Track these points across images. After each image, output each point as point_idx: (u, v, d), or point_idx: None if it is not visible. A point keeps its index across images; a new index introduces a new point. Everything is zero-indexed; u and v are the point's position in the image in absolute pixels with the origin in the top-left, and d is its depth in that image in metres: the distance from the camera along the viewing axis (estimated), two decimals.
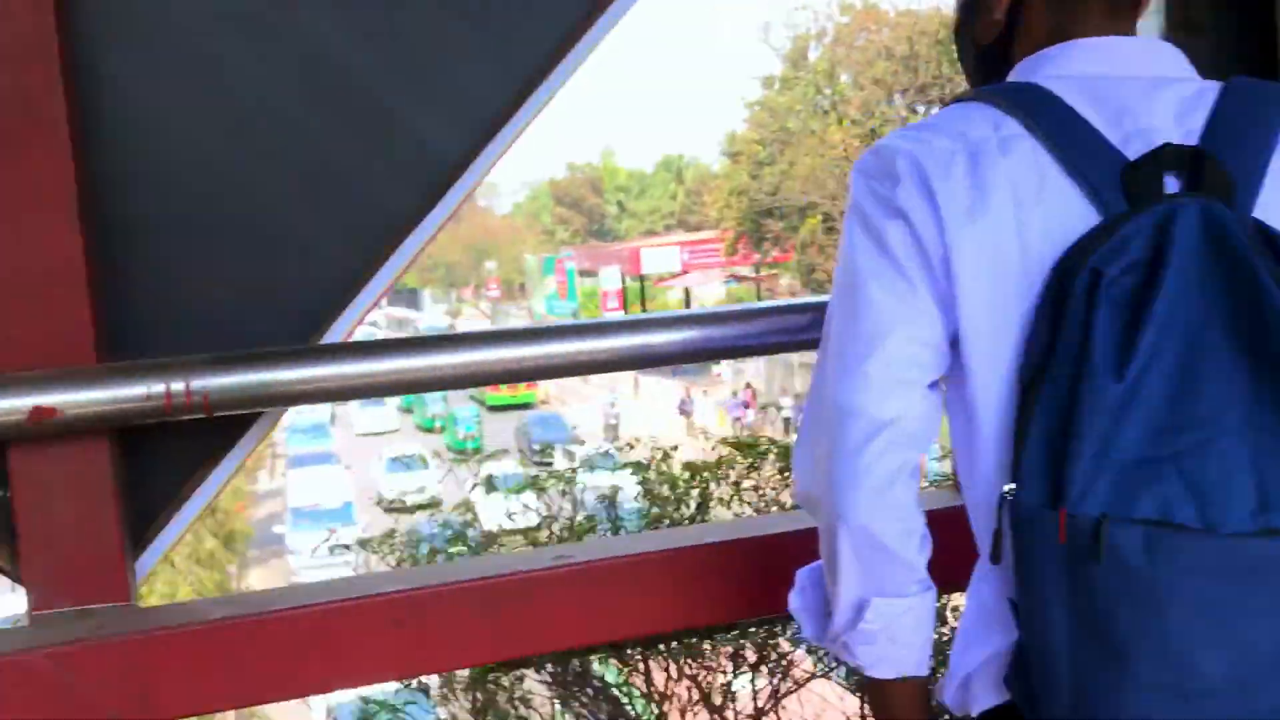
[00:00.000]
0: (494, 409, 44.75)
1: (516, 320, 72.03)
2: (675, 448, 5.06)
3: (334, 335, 2.06)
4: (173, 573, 12.23)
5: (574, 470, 5.29)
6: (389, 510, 27.59)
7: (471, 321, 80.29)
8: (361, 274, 2.04)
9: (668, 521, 4.52)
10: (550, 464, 30.72)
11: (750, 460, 4.68)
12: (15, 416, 1.76)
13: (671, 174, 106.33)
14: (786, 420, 33.85)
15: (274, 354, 1.92)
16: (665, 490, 4.64)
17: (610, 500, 4.81)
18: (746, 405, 36.68)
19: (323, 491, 27.86)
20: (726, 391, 42.35)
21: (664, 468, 4.81)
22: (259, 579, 25.87)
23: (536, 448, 33.10)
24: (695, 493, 4.59)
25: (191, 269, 1.99)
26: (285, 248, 2.03)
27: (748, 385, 38.66)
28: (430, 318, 74.45)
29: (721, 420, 36.24)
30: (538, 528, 4.85)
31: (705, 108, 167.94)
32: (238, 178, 1.99)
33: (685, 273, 53.17)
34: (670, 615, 2.09)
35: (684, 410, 39.10)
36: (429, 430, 42.77)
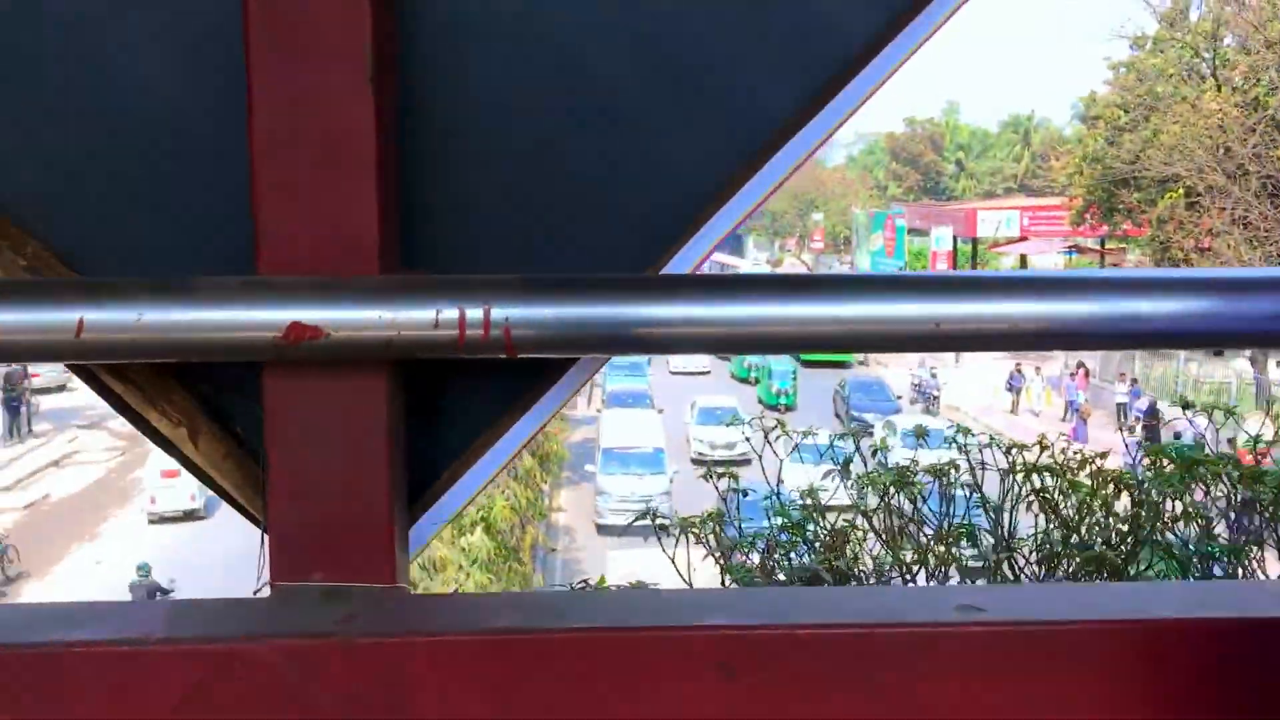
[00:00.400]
0: (808, 364, 43.41)
1: None
2: (1104, 455, 4.26)
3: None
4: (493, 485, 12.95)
5: (914, 462, 4.73)
6: (697, 462, 27.82)
7: (791, 270, 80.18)
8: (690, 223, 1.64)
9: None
10: (869, 433, 29.61)
11: (1181, 478, 3.75)
12: (268, 333, 1.40)
13: (1018, 135, 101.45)
14: (1120, 406, 31.67)
15: (602, 282, 1.49)
16: (1071, 503, 3.77)
17: (997, 512, 3.99)
18: (1077, 388, 34.58)
19: (635, 433, 28.07)
20: (1058, 367, 40.11)
21: (1070, 475, 3.93)
22: (569, 500, 27.08)
23: (855, 415, 32.29)
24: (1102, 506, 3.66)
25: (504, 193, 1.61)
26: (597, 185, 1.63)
27: (1080, 365, 36.44)
28: (751, 265, 74.83)
29: (1049, 400, 34.35)
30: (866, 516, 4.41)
31: (1061, 66, 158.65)
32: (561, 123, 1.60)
33: (1023, 239, 50.68)
34: None
35: (1013, 386, 36.79)
36: (743, 380, 42.27)
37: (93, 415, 37.45)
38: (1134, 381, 33.43)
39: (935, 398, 35.23)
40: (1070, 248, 54.99)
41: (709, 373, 44.88)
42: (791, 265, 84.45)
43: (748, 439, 23.76)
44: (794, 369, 38.10)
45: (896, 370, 42.72)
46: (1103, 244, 53.14)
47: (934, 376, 35.85)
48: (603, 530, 23.03)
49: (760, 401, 36.25)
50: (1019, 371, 36.07)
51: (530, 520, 13.59)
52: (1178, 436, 27.88)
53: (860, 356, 46.32)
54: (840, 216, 76.54)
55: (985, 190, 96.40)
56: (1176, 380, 32.55)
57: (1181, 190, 28.37)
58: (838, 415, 34.81)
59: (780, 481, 5.06)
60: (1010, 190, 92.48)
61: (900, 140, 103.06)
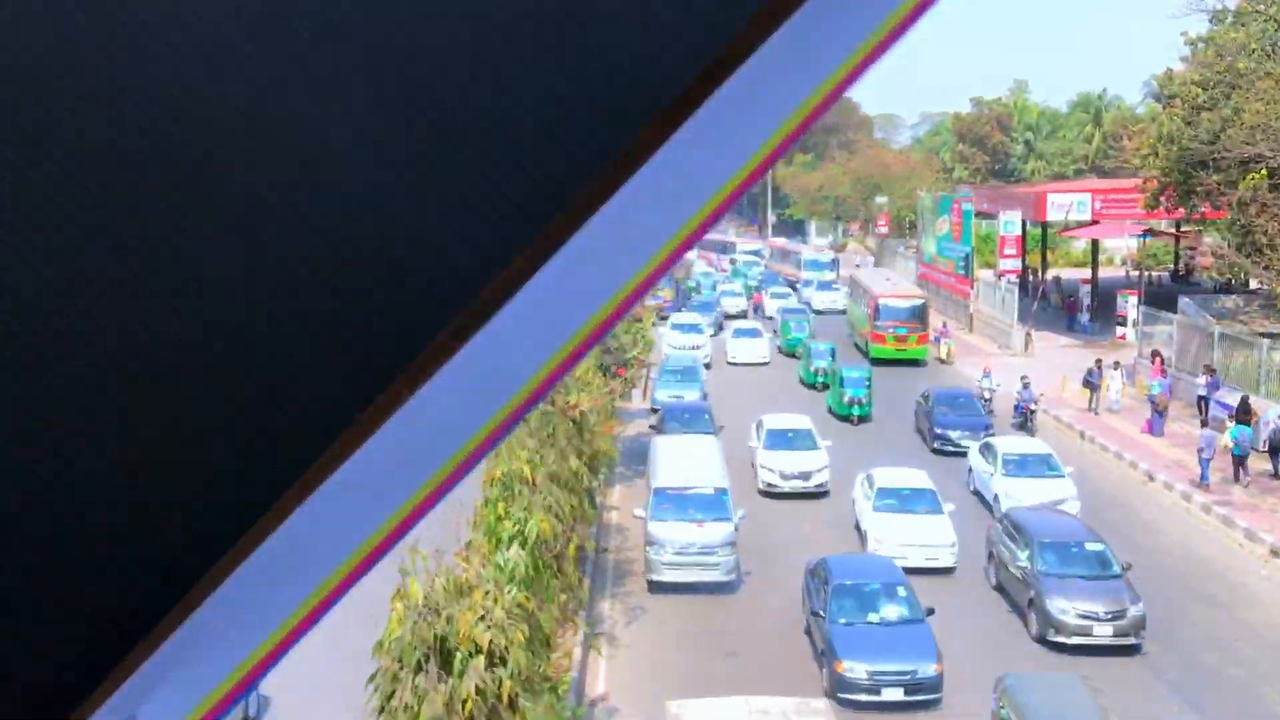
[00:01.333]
0: (877, 362, 40.35)
1: (902, 260, 69.98)
2: None
3: None
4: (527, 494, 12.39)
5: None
6: (766, 495, 25.80)
7: (854, 256, 79.10)
8: None
9: None
10: (958, 453, 28.25)
11: None
12: None
13: (1089, 114, 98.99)
14: (1201, 400, 30.41)
15: None
16: None
17: None
18: (1162, 375, 33.09)
19: (692, 467, 22.42)
20: (1133, 357, 38.75)
21: None
22: (621, 496, 26.53)
23: (940, 433, 29.77)
24: None
25: None
26: None
27: (1155, 353, 35.12)
28: (813, 251, 73.71)
29: (1126, 392, 32.93)
30: None
31: (1134, 42, 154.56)
32: None
33: (1094, 223, 49.17)
34: None
35: (1090, 383, 33.91)
36: (810, 386, 38.05)
37: None
38: (1212, 371, 32.08)
39: (1031, 412, 31.53)
40: (1145, 231, 53.34)
41: (768, 362, 43.93)
42: (855, 250, 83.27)
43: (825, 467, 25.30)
44: (868, 373, 34.18)
45: (969, 362, 41.35)
46: (1178, 227, 51.49)
47: (1027, 387, 31.72)
48: (655, 588, 20.23)
49: (830, 411, 33.90)
50: (1098, 367, 33.79)
51: (574, 527, 13.08)
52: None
53: (940, 353, 42.99)
54: (905, 200, 75.15)
55: (1055, 172, 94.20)
56: (1260, 370, 31.16)
57: (1265, 171, 27.15)
58: (919, 431, 31.48)
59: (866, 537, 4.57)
60: (1081, 172, 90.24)
61: (967, 121, 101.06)
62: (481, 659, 7.61)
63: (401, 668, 7.69)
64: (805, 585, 18.68)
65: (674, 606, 19.67)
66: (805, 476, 26.04)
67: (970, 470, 26.82)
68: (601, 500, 24.99)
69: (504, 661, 7.77)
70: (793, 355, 42.94)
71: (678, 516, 20.28)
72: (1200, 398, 31.02)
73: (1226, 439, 26.30)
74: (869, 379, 33.47)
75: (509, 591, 9.26)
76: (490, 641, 7.66)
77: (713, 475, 22.04)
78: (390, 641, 7.84)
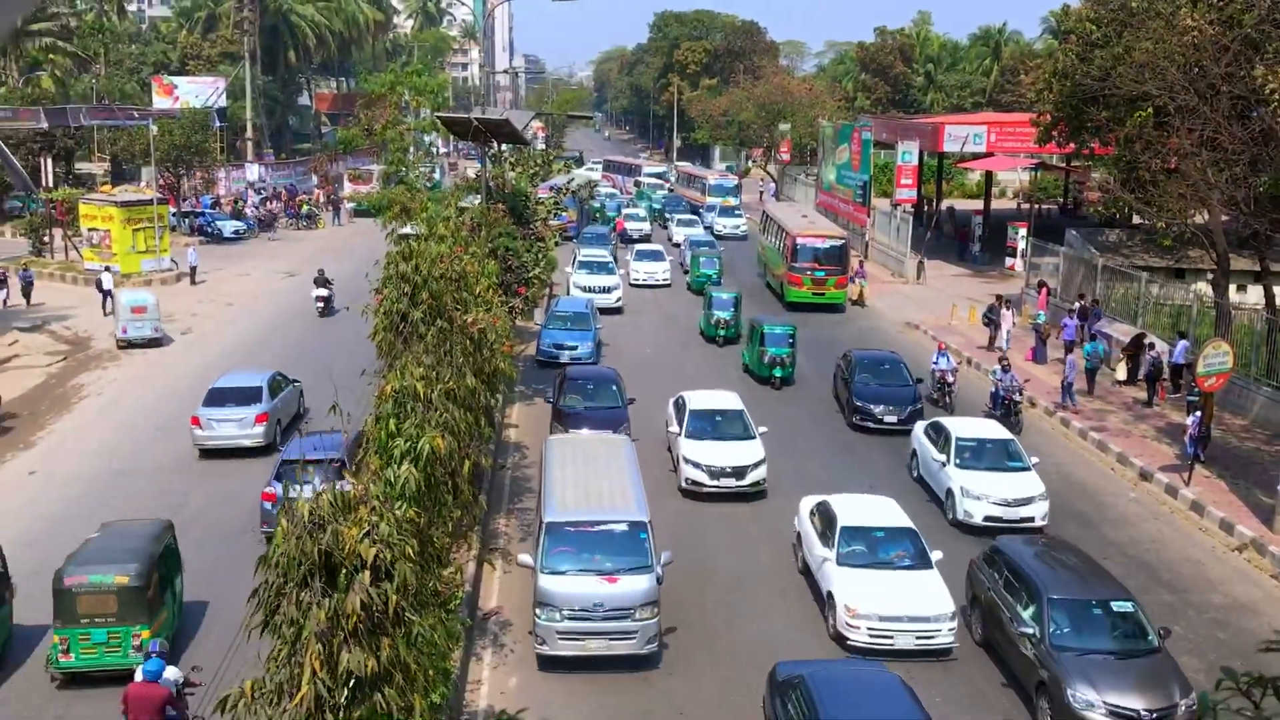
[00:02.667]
0: (793, 307, 38.60)
1: (802, 186, 70.46)
2: None
3: None
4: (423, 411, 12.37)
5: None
6: (690, 495, 21.61)
7: (757, 183, 79.37)
8: None
9: None
10: (882, 430, 25.71)
11: None
12: None
13: (988, 48, 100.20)
14: (1065, 327, 31.36)
15: None
16: None
17: None
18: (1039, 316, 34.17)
19: (597, 483, 17.50)
20: (1020, 287, 39.79)
21: None
22: (520, 415, 26.59)
23: (861, 407, 25.84)
24: None
25: None
26: None
27: (1041, 284, 36.14)
28: (716, 177, 73.69)
29: (1024, 320, 33.93)
30: None
31: None
32: None
33: (990, 155, 50.01)
34: None
35: (991, 319, 33.05)
36: (711, 340, 34.53)
37: (34, 317, 36.48)
38: (1095, 302, 33.16)
39: (1015, 403, 25.72)
40: (1037, 165, 54.46)
41: (669, 284, 43.94)
42: (757, 177, 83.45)
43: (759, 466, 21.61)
44: (792, 330, 30.03)
45: (887, 307, 41.89)
46: (1069, 162, 52.70)
47: (1007, 370, 26.08)
48: (547, 664, 15.22)
49: (747, 370, 30.70)
50: (999, 303, 33.04)
51: (471, 445, 13.08)
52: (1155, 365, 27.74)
53: (852, 294, 40.34)
54: (808, 128, 75.37)
55: (954, 104, 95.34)
56: (1138, 301, 32.31)
57: (1151, 109, 27.77)
58: (837, 398, 28.07)
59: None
60: (979, 105, 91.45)
61: (870, 51, 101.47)
62: (366, 574, 7.64)
63: (286, 582, 7.69)
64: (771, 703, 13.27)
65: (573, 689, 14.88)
66: (739, 474, 21.48)
67: (914, 455, 23.10)
68: (501, 419, 25.03)
69: (390, 576, 7.81)
70: (699, 292, 39.97)
71: (579, 566, 15.39)
72: (1081, 328, 32.06)
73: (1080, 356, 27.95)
74: (793, 336, 29.71)
75: (399, 508, 9.27)
76: (376, 556, 7.70)
77: (628, 499, 16.52)
78: (275, 556, 7.81)
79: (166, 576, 15.48)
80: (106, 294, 36.92)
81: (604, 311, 36.41)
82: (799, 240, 39.29)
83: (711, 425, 22.52)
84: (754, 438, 22.33)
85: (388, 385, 12.66)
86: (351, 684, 7.63)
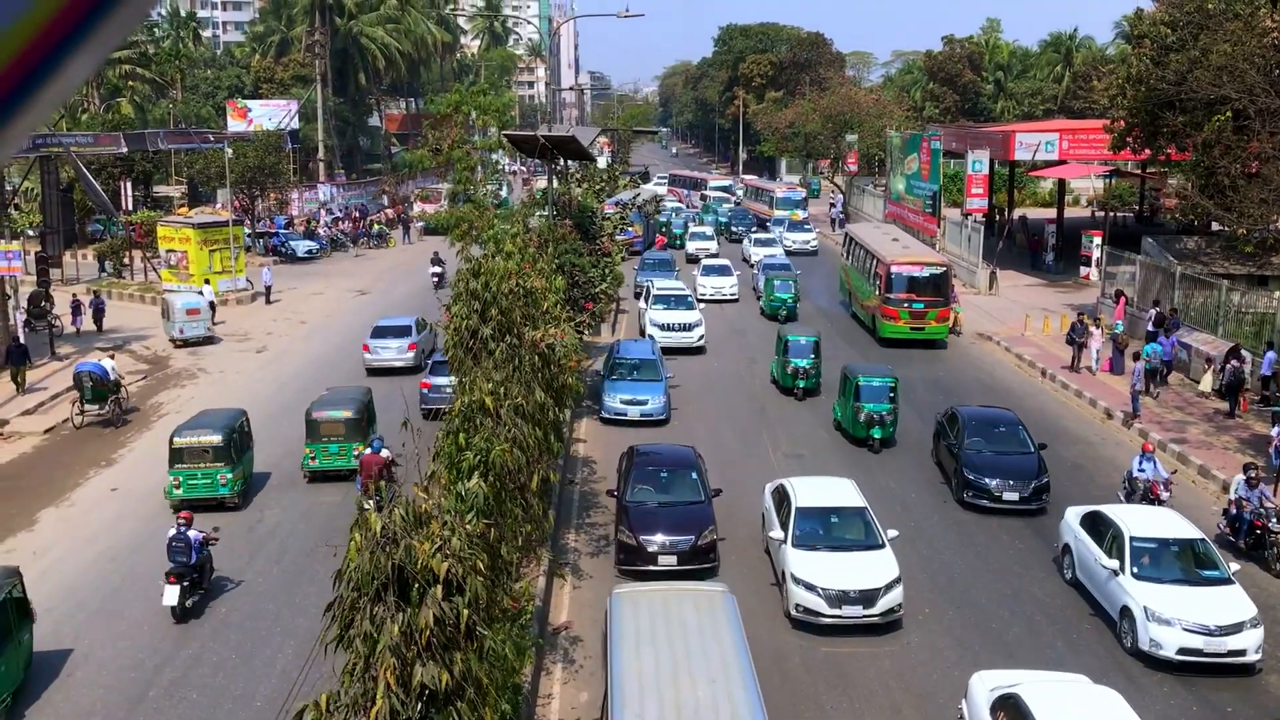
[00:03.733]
0: (887, 343, 34.92)
1: (870, 198, 69.92)
2: None
3: None
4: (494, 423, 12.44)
5: None
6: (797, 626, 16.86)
7: (824, 194, 78.91)
8: None
9: None
10: (1004, 510, 21.48)
11: None
12: None
13: (1059, 54, 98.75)
14: (1150, 334, 30.68)
15: None
16: None
17: None
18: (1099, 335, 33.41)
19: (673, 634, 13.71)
20: (1096, 296, 39.04)
21: None
22: (589, 430, 26.67)
23: (976, 482, 21.24)
24: None
25: None
26: None
27: (1119, 293, 35.43)
28: (784, 189, 73.45)
29: (1103, 331, 33.27)
30: None
31: None
32: None
33: (1062, 163, 49.25)
34: None
35: (1074, 340, 30.83)
36: (787, 390, 29.74)
37: (116, 337, 37.37)
38: (1174, 311, 32.44)
39: (1160, 501, 20.10)
40: (1111, 172, 53.53)
41: (737, 299, 43.54)
42: (827, 189, 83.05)
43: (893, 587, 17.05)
44: (892, 381, 25.40)
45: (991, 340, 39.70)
46: (1144, 168, 51.71)
47: (1152, 463, 20.88)
48: None
49: (838, 426, 26.57)
50: (1081, 322, 31.29)
51: (540, 459, 13.11)
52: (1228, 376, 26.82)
53: (966, 334, 36.57)
54: (875, 138, 74.82)
55: (1024, 112, 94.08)
56: (1218, 310, 31.54)
57: (1230, 113, 27.21)
58: (940, 465, 23.66)
59: None
60: (1050, 112, 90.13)
61: (938, 60, 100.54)
62: (439, 588, 7.68)
63: (360, 597, 7.75)
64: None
65: None
66: (868, 600, 16.64)
67: (1066, 550, 18.59)
68: (569, 434, 25.12)
69: (461, 591, 7.84)
70: (774, 318, 38.61)
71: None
72: (1149, 332, 31.42)
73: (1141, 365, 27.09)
74: (894, 389, 25.16)
75: (469, 522, 9.31)
76: (448, 571, 7.73)
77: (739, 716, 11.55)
78: (349, 571, 7.88)
79: (372, 415, 23.95)
80: (268, 287, 43.41)
81: (683, 351, 33.91)
82: (894, 269, 35.16)
83: (825, 529, 18.01)
84: (883, 546, 17.60)
85: (457, 400, 12.75)
86: (425, 698, 7.66)
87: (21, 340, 31.67)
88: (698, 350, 34.66)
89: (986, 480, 21.40)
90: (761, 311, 40.95)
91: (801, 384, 29.26)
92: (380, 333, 33.09)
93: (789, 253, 53.72)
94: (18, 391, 29.73)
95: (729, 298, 43.41)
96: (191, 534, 17.37)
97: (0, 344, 33.12)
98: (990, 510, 21.30)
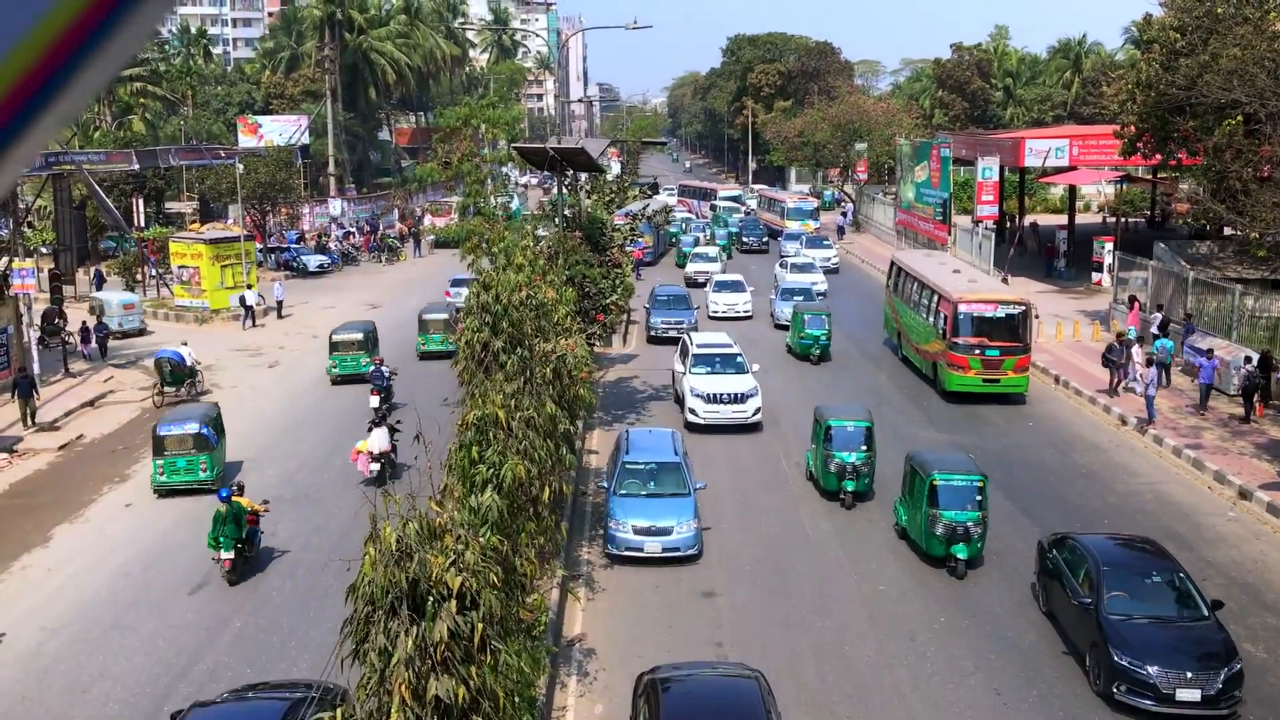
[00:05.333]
0: (954, 397, 29.21)
1: (881, 205, 69.87)
2: None
3: None
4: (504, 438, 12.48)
5: None
6: None
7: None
8: None
9: None
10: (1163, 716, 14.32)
11: None
12: None
13: (1068, 60, 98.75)
14: (1153, 337, 30.50)
15: None
16: None
17: None
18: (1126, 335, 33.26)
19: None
20: (1108, 302, 38.88)
21: None
22: (601, 441, 26.63)
23: (1123, 666, 14.18)
24: None
25: None
26: None
27: (1132, 299, 35.29)
28: (794, 199, 73.43)
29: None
30: None
31: None
32: None
33: (1072, 169, 49.16)
34: None
35: (1111, 361, 28.89)
36: (832, 495, 22.21)
37: (128, 354, 37.49)
38: (1189, 316, 32.29)
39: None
40: (1122, 177, 53.41)
41: (751, 316, 42.01)
42: (834, 196, 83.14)
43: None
44: (979, 479, 18.82)
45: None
46: (1155, 174, 51.58)
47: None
48: None
49: (812, 479, 22.91)
50: (1119, 343, 29.53)
51: (552, 472, 13.11)
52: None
53: (1054, 388, 30.77)
54: (885, 146, 74.84)
55: (1034, 118, 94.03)
56: (1232, 315, 31.40)
57: (1240, 117, 27.10)
58: (1052, 615, 16.89)
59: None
60: (1060, 118, 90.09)
61: (947, 67, 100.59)
62: (453, 602, 7.67)
63: (374, 611, 7.75)
64: None
65: None
66: None
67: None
68: (581, 445, 25.11)
69: (476, 605, 7.83)
70: (805, 358, 34.31)
71: None
72: (1151, 334, 31.42)
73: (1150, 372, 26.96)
74: (982, 490, 18.58)
75: (482, 535, 9.31)
76: (462, 584, 7.73)
77: None
78: (363, 585, 7.88)
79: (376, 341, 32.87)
80: (249, 310, 42.18)
81: (735, 429, 27.15)
82: (962, 308, 29.02)
83: None
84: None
85: (469, 413, 12.76)
86: (440, 712, 7.65)
87: (30, 369, 31.16)
88: (754, 428, 27.28)
89: (1147, 668, 14.22)
90: (788, 349, 35.63)
91: (851, 486, 21.89)
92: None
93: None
94: (26, 426, 28.26)
95: (742, 314, 41.66)
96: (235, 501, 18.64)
97: (15, 361, 33.28)
98: (1154, 715, 14.29)
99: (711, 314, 41.12)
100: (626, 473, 20.76)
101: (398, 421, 22.91)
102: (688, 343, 30.06)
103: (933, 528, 18.57)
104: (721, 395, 27.27)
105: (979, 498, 18.70)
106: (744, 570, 19.15)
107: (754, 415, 27.34)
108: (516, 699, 8.93)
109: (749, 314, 41.84)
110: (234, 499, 18.74)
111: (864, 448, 21.77)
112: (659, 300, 38.90)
